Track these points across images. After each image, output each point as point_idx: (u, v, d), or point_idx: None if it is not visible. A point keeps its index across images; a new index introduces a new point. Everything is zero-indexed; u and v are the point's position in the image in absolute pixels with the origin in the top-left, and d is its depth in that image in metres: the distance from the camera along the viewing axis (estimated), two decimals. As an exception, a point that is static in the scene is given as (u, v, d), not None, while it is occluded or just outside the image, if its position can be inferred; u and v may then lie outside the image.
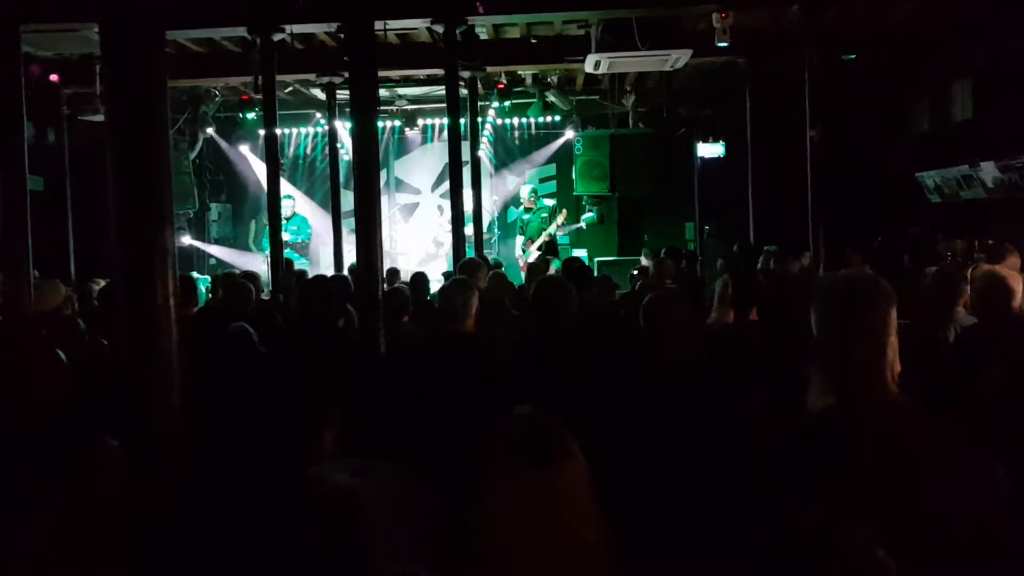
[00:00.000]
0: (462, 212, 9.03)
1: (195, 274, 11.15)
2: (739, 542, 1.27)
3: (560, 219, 12.66)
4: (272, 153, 9.00)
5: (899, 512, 1.64)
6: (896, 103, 12.16)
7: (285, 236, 12.64)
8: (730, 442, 2.44)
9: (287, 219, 13.08)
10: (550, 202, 13.39)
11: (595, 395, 2.73)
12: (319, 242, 13.96)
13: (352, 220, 4.93)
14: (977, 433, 2.22)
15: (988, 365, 3.25)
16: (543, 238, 12.44)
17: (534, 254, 11.98)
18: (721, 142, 12.82)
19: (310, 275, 7.66)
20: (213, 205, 14.88)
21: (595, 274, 9.18)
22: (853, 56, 10.43)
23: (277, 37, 8.64)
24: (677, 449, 2.45)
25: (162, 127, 1.82)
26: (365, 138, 4.30)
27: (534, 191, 13.20)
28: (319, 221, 13.83)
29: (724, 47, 8.51)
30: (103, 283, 7.09)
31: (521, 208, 13.36)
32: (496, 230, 14.27)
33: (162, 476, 1.76)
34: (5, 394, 2.80)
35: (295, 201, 13.56)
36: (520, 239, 12.87)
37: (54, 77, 10.32)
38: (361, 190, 4.32)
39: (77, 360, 3.86)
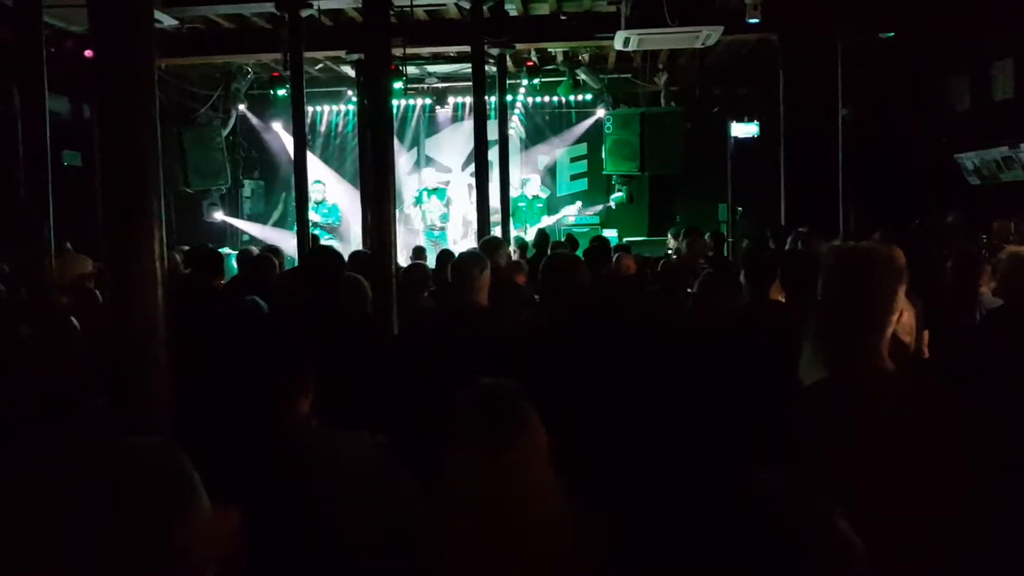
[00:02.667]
0: (487, 191, 9.00)
1: (227, 250, 11.26)
2: (707, 506, 1.24)
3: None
4: (299, 130, 9.03)
5: (877, 487, 1.59)
6: (935, 82, 11.88)
7: (315, 216, 12.81)
8: (725, 413, 2.40)
9: (317, 203, 13.19)
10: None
11: (598, 369, 2.70)
12: (347, 220, 14.01)
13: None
14: (991, 414, 2.16)
15: (1009, 347, 3.17)
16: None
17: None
18: (755, 122, 12.64)
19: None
20: (246, 182, 14.99)
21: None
22: (891, 34, 10.20)
23: (305, 13, 8.64)
24: (669, 417, 2.42)
25: (149, 95, 1.81)
26: (379, 107, 4.27)
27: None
28: (349, 199, 13.88)
29: (755, 23, 8.35)
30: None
31: (519, 194, 13.40)
32: (515, 215, 14.25)
33: (144, 429, 1.77)
34: (17, 357, 2.84)
35: (325, 187, 13.63)
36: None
37: (88, 52, 10.41)
38: (376, 162, 4.30)
39: (92, 330, 3.93)
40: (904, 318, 2.66)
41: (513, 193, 13.50)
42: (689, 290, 4.92)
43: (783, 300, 4.25)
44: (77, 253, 6.64)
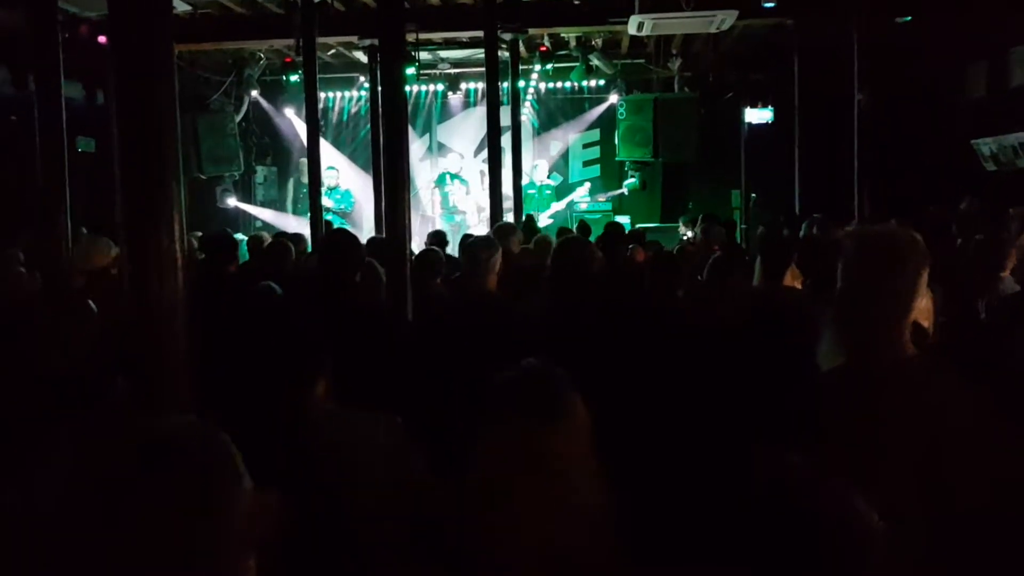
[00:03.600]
0: (499, 177, 8.99)
1: (240, 236, 11.29)
2: (725, 491, 1.24)
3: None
4: (312, 116, 9.02)
5: (898, 473, 1.59)
6: (952, 68, 11.76)
7: (328, 202, 12.83)
8: (737, 400, 2.39)
9: (331, 188, 13.20)
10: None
11: (608, 354, 2.70)
12: (360, 205, 14.02)
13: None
14: (1006, 401, 2.15)
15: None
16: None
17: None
18: (770, 107, 12.55)
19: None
20: (259, 168, 15.02)
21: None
22: (908, 18, 10.10)
23: (317, -2, 8.63)
24: (682, 404, 2.42)
25: (168, 77, 1.82)
26: (392, 92, 4.26)
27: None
28: (361, 185, 13.89)
29: (770, 8, 8.28)
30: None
31: (527, 182, 13.40)
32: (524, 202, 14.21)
33: (164, 410, 1.78)
34: (36, 342, 2.87)
35: (339, 172, 13.63)
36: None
37: (102, 38, 10.43)
38: (388, 148, 4.30)
39: (116, 315, 3.95)
40: (923, 304, 2.65)
41: (523, 182, 13.53)
42: (699, 277, 4.91)
43: (798, 286, 4.24)
44: (99, 237, 6.69)
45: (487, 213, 12.66)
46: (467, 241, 4.05)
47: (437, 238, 8.36)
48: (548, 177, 14.01)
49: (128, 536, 1.05)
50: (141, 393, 1.86)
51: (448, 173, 13.99)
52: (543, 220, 12.89)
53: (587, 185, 13.81)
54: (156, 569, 1.06)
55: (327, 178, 12.95)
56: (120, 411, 2.04)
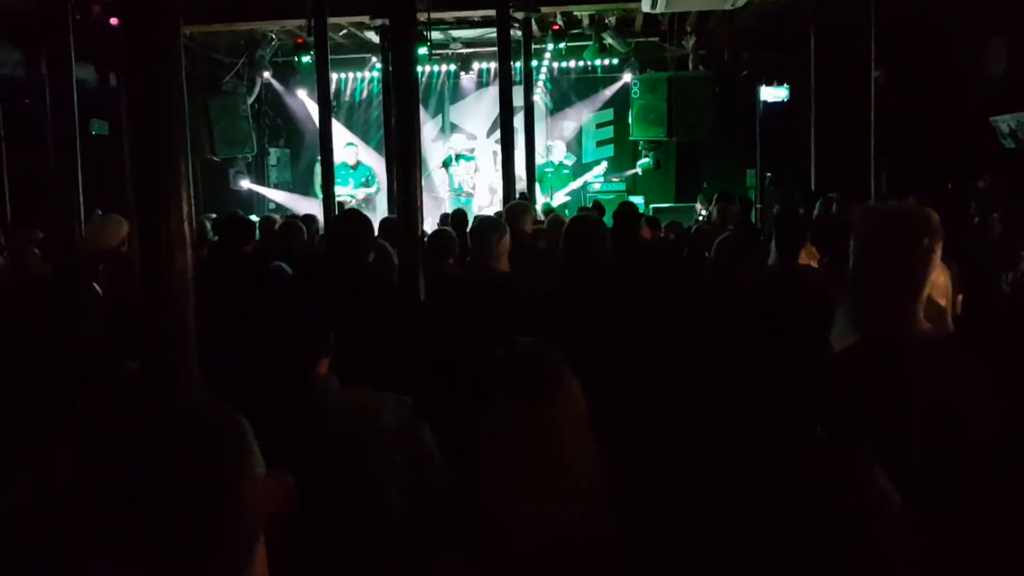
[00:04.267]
0: (513, 158, 8.94)
1: (254, 217, 11.30)
2: (741, 474, 1.23)
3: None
4: (324, 96, 8.99)
5: (914, 451, 1.57)
6: (972, 44, 11.59)
7: (358, 191, 12.83)
8: (750, 380, 2.37)
9: (353, 168, 13.18)
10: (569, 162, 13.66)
11: (619, 335, 2.68)
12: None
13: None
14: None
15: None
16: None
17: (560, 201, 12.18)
18: (785, 86, 12.43)
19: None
20: (272, 150, 15.02)
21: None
22: (926, -7, 9.96)
23: (329, -23, 8.58)
24: (693, 386, 2.40)
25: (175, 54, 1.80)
26: (404, 72, 4.23)
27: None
28: (375, 166, 13.86)
29: (787, -17, 8.17)
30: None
31: (545, 161, 13.35)
32: (548, 177, 14.14)
33: (172, 390, 1.78)
34: (41, 327, 2.87)
35: (358, 149, 13.60)
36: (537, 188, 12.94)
37: (114, 20, 10.43)
38: (401, 128, 4.27)
39: (125, 294, 3.96)
40: (940, 281, 2.62)
41: (539, 160, 13.47)
42: (706, 254, 4.87)
43: (813, 265, 4.20)
44: (111, 215, 6.72)
45: (500, 194, 12.68)
46: (476, 223, 4.03)
47: (455, 218, 8.35)
48: (565, 157, 13.95)
49: (138, 523, 1.04)
50: (150, 373, 1.86)
51: (454, 154, 13.94)
52: (561, 198, 12.85)
53: (604, 164, 13.72)
54: (168, 551, 1.05)
55: (346, 156, 12.94)
56: (127, 392, 2.04)
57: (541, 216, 8.57)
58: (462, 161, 13.85)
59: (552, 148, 13.76)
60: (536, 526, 1.57)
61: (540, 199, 12.32)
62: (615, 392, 2.08)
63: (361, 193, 13.07)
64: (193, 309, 1.80)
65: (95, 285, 3.15)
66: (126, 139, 1.73)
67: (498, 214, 6.30)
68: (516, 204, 6.28)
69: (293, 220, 6.72)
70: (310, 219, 7.62)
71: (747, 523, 1.23)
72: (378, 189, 13.30)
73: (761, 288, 3.62)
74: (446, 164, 13.87)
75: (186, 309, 1.78)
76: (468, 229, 5.97)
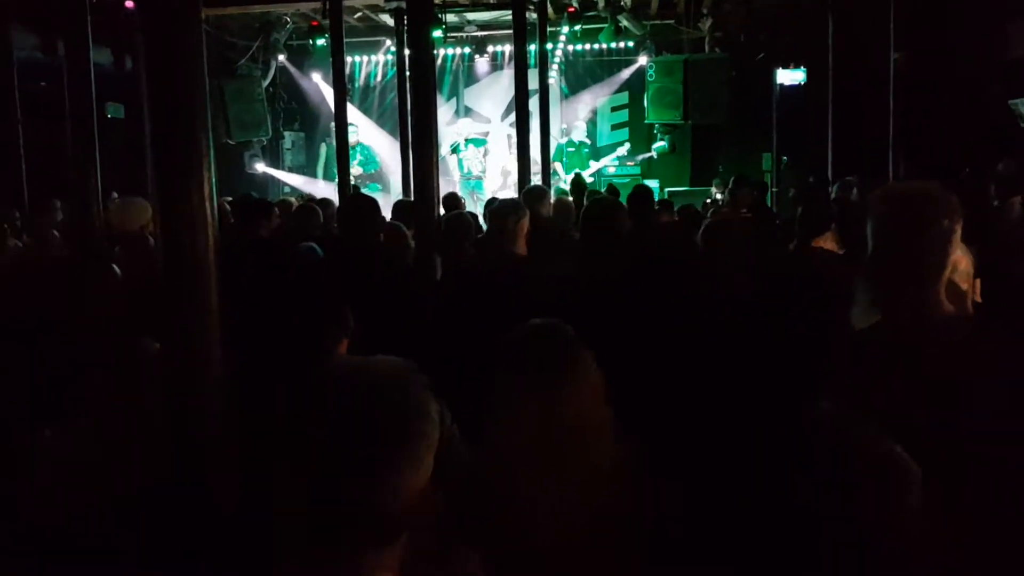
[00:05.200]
0: (528, 141, 8.90)
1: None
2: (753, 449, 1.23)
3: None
4: (339, 80, 8.98)
5: (932, 432, 1.56)
6: (992, 26, 11.44)
7: (356, 170, 12.83)
8: (768, 365, 2.37)
9: (352, 147, 13.18)
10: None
11: (638, 317, 2.68)
12: (387, 170, 14.01)
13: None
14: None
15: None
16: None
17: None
18: (802, 68, 12.32)
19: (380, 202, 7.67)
20: (287, 133, 15.04)
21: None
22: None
23: (344, -40, 8.55)
24: (710, 370, 2.40)
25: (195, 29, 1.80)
26: (421, 54, 4.22)
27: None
28: (388, 148, 13.87)
29: (805, -36, 8.08)
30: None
31: (566, 140, 13.31)
32: (564, 160, 14.09)
33: (195, 370, 1.80)
34: (62, 307, 2.91)
35: (358, 128, 13.60)
36: (559, 169, 12.91)
37: (130, 4, 10.45)
38: (417, 110, 4.27)
39: (145, 275, 3.99)
40: (962, 265, 2.59)
41: (561, 140, 13.47)
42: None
43: (833, 248, 4.17)
44: (135, 199, 6.78)
45: (513, 177, 12.66)
46: (493, 205, 4.02)
47: (455, 201, 8.33)
48: (585, 135, 13.87)
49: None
50: (172, 352, 1.87)
51: (463, 139, 13.91)
52: (587, 177, 12.79)
53: (626, 146, 13.65)
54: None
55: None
56: (145, 371, 2.06)
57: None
58: (471, 146, 13.83)
59: (571, 128, 13.72)
60: (553, 502, 1.58)
61: (564, 177, 12.32)
62: (633, 375, 2.08)
63: (356, 171, 13.07)
64: (215, 288, 1.80)
65: (115, 267, 3.18)
66: (147, 116, 1.74)
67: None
68: (534, 187, 6.26)
69: (309, 203, 6.74)
70: (325, 202, 7.63)
71: (766, 502, 1.22)
72: (377, 166, 13.34)
73: (780, 271, 3.60)
74: (455, 149, 13.85)
75: (209, 289, 1.79)
76: (486, 211, 5.96)
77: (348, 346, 2.30)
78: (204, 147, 1.76)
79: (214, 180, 1.84)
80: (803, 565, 1.19)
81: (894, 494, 1.14)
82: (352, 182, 11.90)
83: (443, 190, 8.61)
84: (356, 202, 4.06)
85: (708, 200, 10.12)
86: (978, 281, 3.01)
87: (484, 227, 5.66)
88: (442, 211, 5.12)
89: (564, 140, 13.36)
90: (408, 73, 4.85)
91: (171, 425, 1.85)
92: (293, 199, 10.04)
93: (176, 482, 1.84)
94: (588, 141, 13.72)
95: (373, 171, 13.42)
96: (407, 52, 11.62)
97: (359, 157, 13.37)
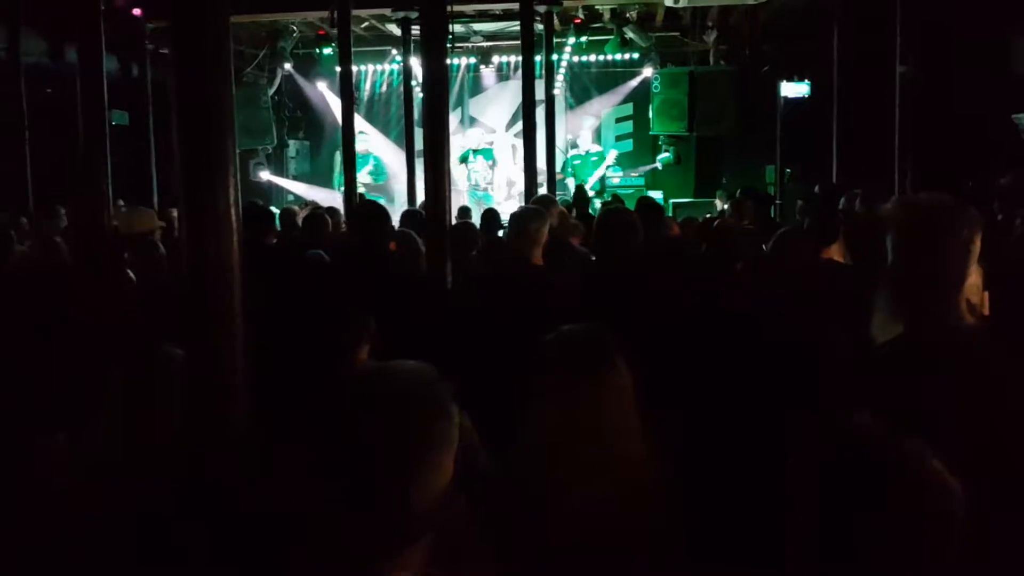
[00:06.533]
0: (535, 152, 8.92)
1: (274, 209, 11.34)
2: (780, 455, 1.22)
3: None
4: (347, 89, 9.00)
5: (958, 445, 1.56)
6: (996, 41, 11.48)
7: (366, 179, 12.87)
8: (785, 375, 2.37)
9: (362, 155, 13.20)
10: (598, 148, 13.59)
11: (654, 325, 2.68)
12: (393, 180, 14.03)
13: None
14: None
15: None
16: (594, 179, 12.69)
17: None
18: (806, 81, 12.35)
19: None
20: (291, 142, 15.07)
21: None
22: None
23: (353, -31, 8.58)
24: (726, 379, 2.40)
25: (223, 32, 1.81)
26: (435, 59, 4.24)
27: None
28: (393, 158, 13.89)
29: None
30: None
31: (573, 153, 13.34)
32: (569, 170, 14.10)
33: (220, 380, 1.80)
34: (77, 309, 2.91)
35: (368, 137, 13.63)
36: (571, 182, 12.89)
37: (137, 11, 10.49)
38: (430, 118, 4.28)
39: (156, 280, 4.00)
40: (972, 279, 2.59)
41: (570, 153, 13.51)
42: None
43: (840, 260, 4.18)
44: (139, 207, 6.80)
45: (517, 187, 12.67)
46: (517, 211, 4.02)
47: (466, 212, 8.35)
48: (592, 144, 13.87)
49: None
50: (196, 357, 1.87)
51: (471, 150, 13.93)
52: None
53: (613, 153, 13.65)
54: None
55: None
56: (172, 375, 2.06)
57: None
58: (479, 157, 13.85)
59: (578, 140, 13.75)
60: (584, 503, 1.58)
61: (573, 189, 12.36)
62: (653, 382, 2.08)
63: (365, 179, 13.10)
64: (240, 295, 1.81)
65: (129, 272, 3.18)
66: (175, 120, 1.74)
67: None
68: (542, 197, 6.27)
69: (318, 211, 6.75)
70: (333, 211, 7.66)
71: (796, 509, 1.22)
72: (386, 178, 13.34)
73: (792, 281, 3.60)
74: (463, 160, 13.87)
75: (232, 293, 1.79)
76: (510, 217, 5.96)
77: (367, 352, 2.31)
78: (231, 152, 1.76)
79: (239, 186, 1.85)
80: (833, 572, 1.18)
81: (939, 509, 1.14)
82: (361, 191, 11.97)
83: (451, 201, 8.62)
84: (368, 209, 4.06)
85: (708, 215, 10.12)
86: (986, 294, 3.01)
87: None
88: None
89: (572, 154, 13.39)
90: (421, 84, 4.86)
91: (193, 431, 1.85)
92: (296, 207, 10.06)
93: (197, 485, 1.84)
94: (598, 149, 13.71)
95: (382, 183, 13.42)
96: (417, 62, 11.69)
97: (371, 166, 13.38)
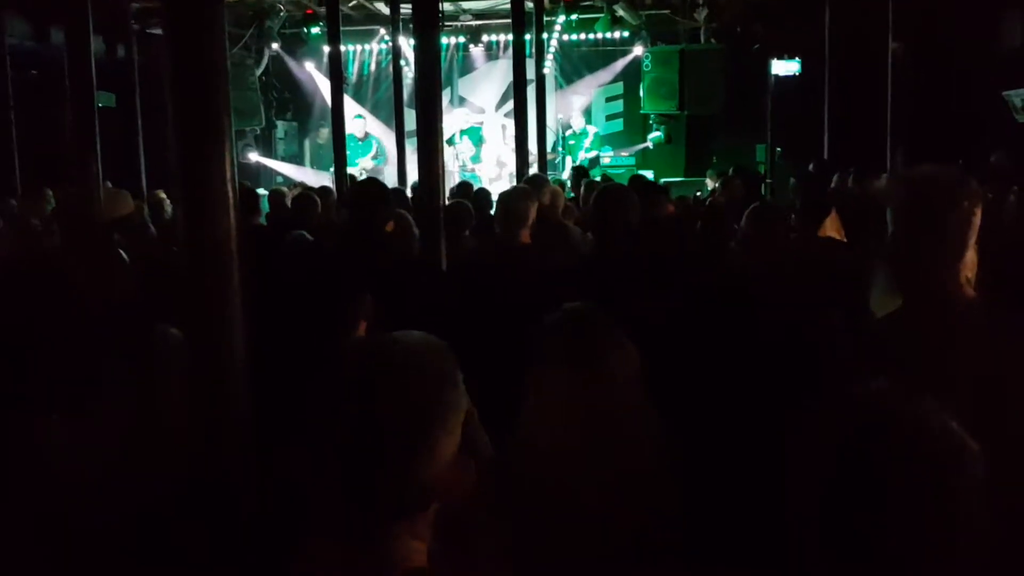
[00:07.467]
0: (526, 131, 8.88)
1: (262, 191, 11.28)
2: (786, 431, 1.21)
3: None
4: (336, 69, 8.93)
5: (962, 417, 1.56)
6: (986, 18, 11.47)
7: (369, 164, 12.82)
8: (779, 352, 2.36)
9: (361, 140, 13.13)
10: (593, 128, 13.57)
11: (646, 303, 2.68)
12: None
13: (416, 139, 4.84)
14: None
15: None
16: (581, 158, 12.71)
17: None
18: (797, 59, 12.33)
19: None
20: (279, 123, 14.96)
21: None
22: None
23: (340, -53, 8.49)
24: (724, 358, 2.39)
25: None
26: (427, 39, 4.20)
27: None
28: (383, 139, 13.81)
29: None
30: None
31: (570, 132, 13.31)
32: (560, 149, 14.04)
33: (219, 359, 1.78)
34: (72, 290, 2.87)
35: (366, 121, 13.55)
36: (569, 160, 12.89)
37: (123, -9, 10.36)
38: (423, 100, 4.24)
39: (148, 261, 3.97)
40: (968, 255, 2.60)
41: (565, 133, 13.50)
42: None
43: (837, 237, 4.17)
44: (118, 189, 6.72)
45: (509, 167, 12.61)
46: (503, 191, 4.01)
47: (462, 190, 8.28)
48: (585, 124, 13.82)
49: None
50: (194, 337, 1.86)
51: (458, 131, 13.86)
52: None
53: (594, 129, 13.59)
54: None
55: (355, 128, 12.87)
56: (173, 355, 2.04)
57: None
58: (465, 138, 13.78)
59: (569, 118, 13.70)
60: (586, 490, 1.57)
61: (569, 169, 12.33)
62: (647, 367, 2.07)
63: (368, 165, 13.03)
64: (238, 274, 1.79)
65: (121, 252, 3.16)
66: (169, 98, 1.72)
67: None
68: (534, 176, 6.23)
69: (307, 192, 6.71)
70: (325, 191, 7.60)
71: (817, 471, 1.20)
72: (385, 161, 13.24)
73: (786, 259, 3.60)
74: (450, 142, 13.80)
75: (231, 273, 1.77)
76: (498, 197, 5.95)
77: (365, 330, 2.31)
78: (227, 129, 1.74)
79: (236, 165, 1.83)
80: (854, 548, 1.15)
81: (960, 467, 1.12)
82: (362, 175, 11.93)
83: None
84: (366, 189, 4.03)
85: (698, 192, 10.11)
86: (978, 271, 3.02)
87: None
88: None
89: (569, 132, 13.36)
90: (413, 65, 4.83)
91: (194, 412, 1.84)
92: (285, 189, 9.98)
93: (198, 469, 1.83)
94: (593, 128, 13.66)
95: (380, 165, 13.35)
96: (407, 42, 11.58)
97: (375, 151, 13.30)
